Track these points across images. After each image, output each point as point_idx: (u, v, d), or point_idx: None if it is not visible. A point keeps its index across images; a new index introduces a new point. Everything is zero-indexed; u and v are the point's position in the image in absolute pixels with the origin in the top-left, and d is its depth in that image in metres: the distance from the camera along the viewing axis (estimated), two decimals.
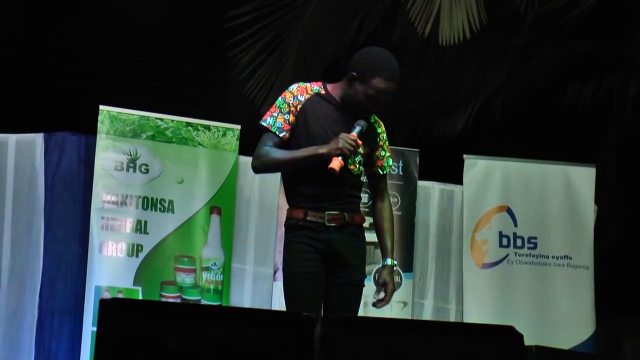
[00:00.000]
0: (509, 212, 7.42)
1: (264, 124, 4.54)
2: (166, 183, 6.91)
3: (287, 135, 4.51)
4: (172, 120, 6.98)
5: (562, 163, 7.50)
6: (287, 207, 4.62)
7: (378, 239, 4.72)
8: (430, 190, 7.65)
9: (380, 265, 4.67)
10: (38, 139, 6.90)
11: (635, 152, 8.80)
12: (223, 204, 7.02)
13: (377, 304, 4.63)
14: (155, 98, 9.33)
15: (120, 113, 6.87)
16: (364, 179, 4.71)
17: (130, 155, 6.84)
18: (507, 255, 7.37)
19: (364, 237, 4.67)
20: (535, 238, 7.39)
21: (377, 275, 4.69)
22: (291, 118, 4.50)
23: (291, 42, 8.21)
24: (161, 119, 6.95)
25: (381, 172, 4.70)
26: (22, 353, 6.75)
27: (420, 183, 7.53)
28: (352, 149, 4.35)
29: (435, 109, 8.90)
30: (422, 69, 8.60)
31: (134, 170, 6.85)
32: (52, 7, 10.15)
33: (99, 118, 6.80)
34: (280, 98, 4.56)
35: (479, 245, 7.35)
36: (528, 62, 8.67)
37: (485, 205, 7.42)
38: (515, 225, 7.40)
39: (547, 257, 7.38)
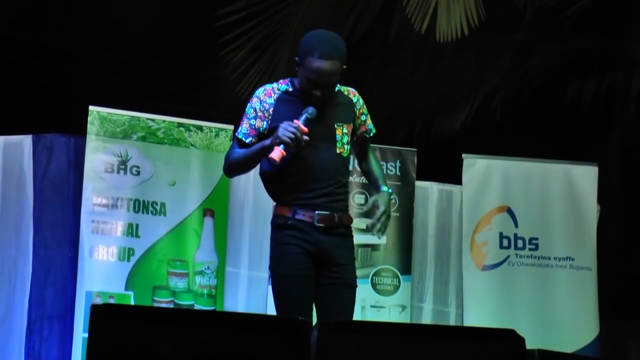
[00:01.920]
0: (510, 212, 7.34)
1: (236, 133, 4.56)
2: (158, 185, 6.86)
3: (254, 140, 4.48)
4: (164, 121, 6.96)
5: (563, 162, 7.43)
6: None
7: (369, 180, 4.75)
8: (429, 191, 7.59)
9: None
10: (26, 140, 6.85)
11: (638, 150, 8.73)
12: (216, 206, 6.96)
13: (370, 227, 4.48)
14: (146, 98, 9.29)
15: (111, 114, 6.85)
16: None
17: (121, 156, 6.80)
18: (508, 257, 7.29)
19: (352, 237, 4.60)
20: (537, 239, 7.31)
21: (371, 200, 4.56)
22: (257, 123, 4.47)
23: (284, 40, 8.17)
24: (152, 120, 6.93)
25: (367, 136, 4.66)
26: None
27: (418, 183, 7.48)
28: (292, 136, 4.29)
29: (433, 108, 8.86)
30: (419, 67, 8.53)
31: (125, 172, 6.80)
32: (39, 6, 10.09)
33: (89, 119, 6.79)
34: (248, 104, 4.55)
35: (479, 246, 7.28)
36: (528, 59, 8.63)
37: (485, 206, 7.35)
38: (516, 226, 7.32)
39: (549, 258, 7.30)
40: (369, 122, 4.67)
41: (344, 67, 4.46)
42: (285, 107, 4.45)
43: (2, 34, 10.02)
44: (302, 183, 4.44)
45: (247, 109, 4.51)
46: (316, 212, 4.42)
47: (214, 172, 6.96)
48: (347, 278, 4.50)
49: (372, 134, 4.69)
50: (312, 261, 4.44)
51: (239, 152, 4.47)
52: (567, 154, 7.61)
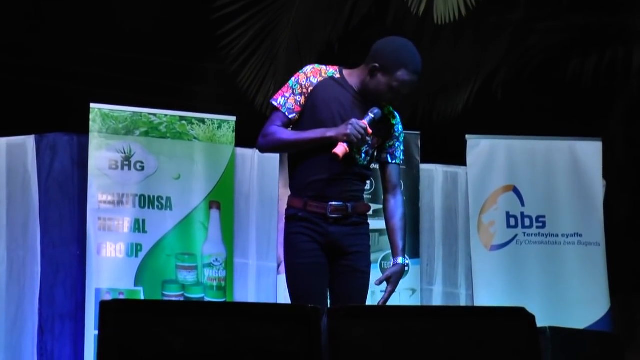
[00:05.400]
0: (516, 191, 7.33)
1: (274, 103, 4.48)
2: (163, 180, 6.85)
3: (297, 117, 4.45)
4: (166, 115, 6.94)
5: (567, 138, 7.41)
6: (289, 194, 4.55)
7: (389, 237, 4.63)
8: (434, 173, 7.59)
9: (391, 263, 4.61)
10: (29, 141, 6.85)
11: None
12: (222, 198, 6.95)
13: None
14: (147, 94, 9.28)
15: (112, 110, 6.83)
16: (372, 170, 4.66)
17: (125, 153, 6.79)
18: (515, 236, 7.28)
19: (368, 225, 4.58)
20: (544, 217, 7.30)
21: (385, 275, 4.58)
22: (302, 100, 4.44)
23: (283, 29, 8.12)
24: (154, 114, 6.92)
25: (390, 160, 4.60)
26: None
27: (423, 166, 7.46)
28: (359, 136, 4.27)
29: (434, 90, 8.81)
30: (419, 50, 8.48)
31: (129, 168, 6.79)
32: (35, 7, 10.07)
33: (91, 116, 6.77)
34: (293, 78, 4.49)
35: (486, 227, 7.27)
36: (527, 38, 8.58)
37: (491, 186, 7.34)
38: (523, 204, 7.32)
39: (557, 235, 7.29)
40: (399, 151, 4.62)
41: None
42: (327, 92, 4.41)
43: (0, 36, 10.01)
44: (316, 175, 4.41)
45: (292, 84, 4.45)
46: (329, 203, 4.41)
47: (219, 164, 6.97)
48: (359, 265, 4.49)
49: (394, 161, 4.61)
50: (324, 249, 4.43)
51: (288, 132, 4.41)
52: (571, 130, 7.59)
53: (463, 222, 7.46)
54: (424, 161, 7.45)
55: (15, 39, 10.24)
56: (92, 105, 6.77)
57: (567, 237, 7.28)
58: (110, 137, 6.76)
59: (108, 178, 6.73)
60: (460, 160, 7.46)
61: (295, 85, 4.45)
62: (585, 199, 7.31)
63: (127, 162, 6.78)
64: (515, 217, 7.30)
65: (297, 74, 4.50)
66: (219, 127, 6.97)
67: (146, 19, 9.84)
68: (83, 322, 6.57)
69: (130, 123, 6.81)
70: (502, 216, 7.29)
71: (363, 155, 4.47)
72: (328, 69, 4.50)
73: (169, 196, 6.83)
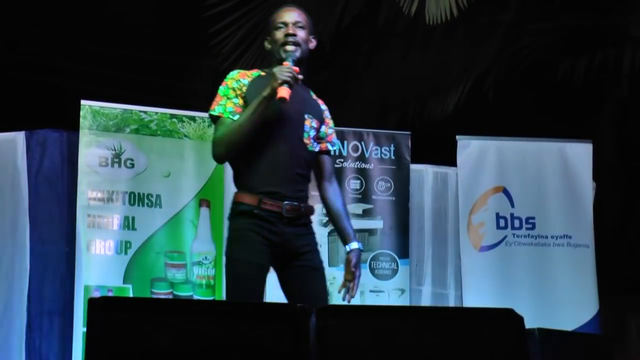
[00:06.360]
0: (505, 192, 7.36)
1: (214, 113, 4.47)
2: (152, 177, 6.85)
3: None
4: (156, 113, 6.94)
5: (557, 140, 7.44)
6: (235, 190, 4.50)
7: (335, 224, 4.64)
8: (424, 174, 7.61)
9: (347, 251, 4.58)
10: (19, 137, 6.84)
11: (632, 125, 8.72)
12: (212, 196, 6.95)
13: (346, 294, 4.53)
14: (137, 91, 9.26)
15: (103, 107, 6.83)
16: None
17: (115, 150, 6.78)
18: (505, 237, 7.30)
19: (312, 224, 4.54)
20: (533, 218, 7.32)
21: (347, 262, 4.57)
22: (240, 101, 4.45)
23: None
24: (145, 112, 6.91)
25: (331, 147, 4.66)
26: (13, 357, 6.69)
27: (413, 166, 7.47)
28: (289, 73, 4.30)
29: (425, 90, 8.81)
30: (410, 50, 8.49)
31: (119, 166, 6.78)
32: (26, 2, 10.05)
33: (81, 113, 6.78)
34: (221, 87, 4.51)
35: (475, 228, 7.28)
36: (519, 38, 8.58)
37: (481, 187, 7.36)
38: (512, 205, 7.34)
39: (546, 237, 7.31)
40: (335, 138, 4.69)
41: (312, 37, 4.56)
42: (259, 88, 4.39)
43: None
44: (270, 166, 4.38)
45: (223, 92, 4.46)
46: (285, 202, 4.37)
47: (209, 162, 6.87)
48: (313, 263, 4.45)
49: (334, 148, 4.68)
50: (272, 252, 4.37)
51: (234, 123, 4.36)
52: (561, 131, 7.60)
53: (452, 222, 7.48)
54: (414, 161, 7.46)
55: (6, 35, 10.22)
56: (82, 102, 6.77)
57: (557, 238, 7.29)
58: (100, 134, 6.76)
59: (98, 175, 6.73)
60: (451, 161, 7.47)
61: (227, 92, 4.47)
62: (575, 200, 7.33)
63: (117, 160, 6.78)
64: (504, 218, 7.31)
65: (223, 82, 4.52)
66: (210, 125, 6.97)
67: (138, 17, 9.83)
68: (71, 319, 6.56)
69: (120, 120, 6.81)
70: (491, 217, 7.31)
71: (312, 141, 4.50)
72: (252, 71, 4.59)
73: (159, 194, 6.83)
